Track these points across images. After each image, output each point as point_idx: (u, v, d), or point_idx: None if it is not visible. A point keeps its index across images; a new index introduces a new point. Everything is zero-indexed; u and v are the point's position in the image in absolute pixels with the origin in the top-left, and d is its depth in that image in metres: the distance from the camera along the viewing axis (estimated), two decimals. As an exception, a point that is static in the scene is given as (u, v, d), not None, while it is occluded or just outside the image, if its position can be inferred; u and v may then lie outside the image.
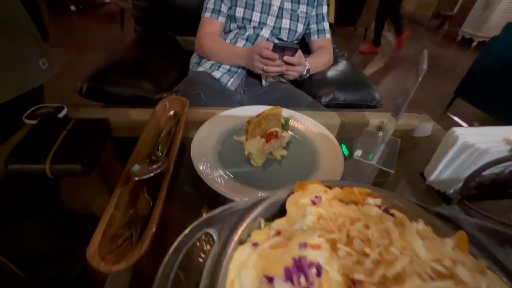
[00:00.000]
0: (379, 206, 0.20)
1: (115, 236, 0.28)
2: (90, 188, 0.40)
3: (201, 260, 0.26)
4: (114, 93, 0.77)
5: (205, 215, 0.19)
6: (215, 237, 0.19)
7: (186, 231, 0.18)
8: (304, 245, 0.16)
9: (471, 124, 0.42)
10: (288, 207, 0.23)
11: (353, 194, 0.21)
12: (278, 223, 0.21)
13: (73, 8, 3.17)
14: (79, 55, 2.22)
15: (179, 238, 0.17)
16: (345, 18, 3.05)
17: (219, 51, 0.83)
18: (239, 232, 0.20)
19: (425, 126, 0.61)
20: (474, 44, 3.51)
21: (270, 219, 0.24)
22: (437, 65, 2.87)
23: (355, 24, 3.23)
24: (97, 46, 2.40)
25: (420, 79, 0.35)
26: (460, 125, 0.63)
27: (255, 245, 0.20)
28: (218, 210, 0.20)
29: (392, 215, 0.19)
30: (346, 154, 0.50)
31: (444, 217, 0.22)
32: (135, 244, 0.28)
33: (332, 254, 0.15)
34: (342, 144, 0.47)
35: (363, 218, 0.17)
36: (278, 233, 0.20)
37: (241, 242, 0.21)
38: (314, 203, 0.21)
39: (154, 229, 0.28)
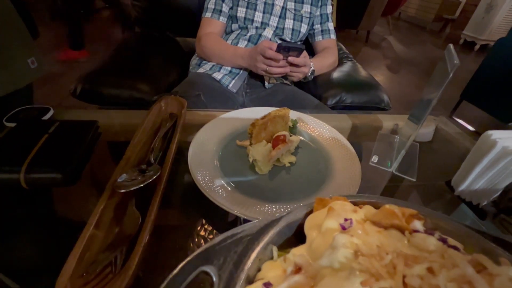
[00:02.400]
0: (430, 233, 0.15)
1: (94, 262, 0.23)
2: (76, 199, 0.35)
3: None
4: (110, 95, 0.73)
5: (200, 248, 0.14)
6: (214, 277, 0.14)
7: (174, 272, 0.13)
8: (340, 296, 0.11)
9: (507, 127, 0.37)
10: (307, 230, 0.18)
11: (395, 217, 0.16)
12: (296, 254, 0.16)
13: (74, 12, 3.17)
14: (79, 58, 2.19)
15: (165, 283, 0.13)
16: (347, 21, 3.03)
17: (220, 52, 0.79)
18: (246, 268, 0.15)
19: (427, 131, 0.56)
20: (477, 47, 3.48)
21: (283, 245, 0.19)
22: (441, 68, 2.83)
23: (357, 27, 3.21)
24: (97, 50, 2.38)
25: (451, 75, 0.30)
26: (468, 130, 0.58)
27: (267, 285, 0.15)
28: (217, 240, 0.15)
29: (456, 248, 0.14)
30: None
31: (506, 245, 0.18)
32: (118, 272, 0.23)
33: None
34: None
35: (420, 256, 0.12)
36: (298, 269, 0.15)
37: (249, 280, 0.16)
38: (343, 228, 0.16)
39: (140, 253, 0.23)
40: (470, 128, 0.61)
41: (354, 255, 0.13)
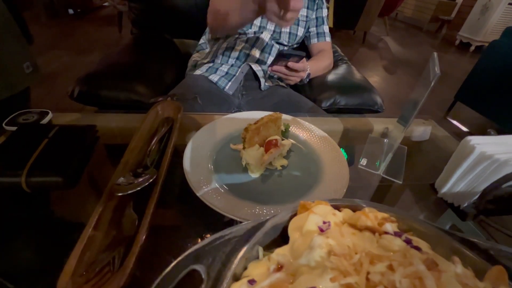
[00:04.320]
0: (399, 235, 0.17)
1: (94, 261, 0.25)
2: (76, 202, 0.37)
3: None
4: (107, 97, 0.75)
5: (190, 248, 0.16)
6: (203, 275, 0.16)
7: (166, 270, 0.15)
8: (312, 290, 0.13)
9: (487, 133, 0.39)
10: (290, 232, 0.20)
11: (368, 220, 0.18)
12: (280, 254, 0.18)
13: (70, 11, 3.16)
14: (76, 58, 2.19)
15: (158, 280, 0.14)
16: (344, 21, 3.05)
17: (230, 2, 0.66)
18: (233, 266, 0.17)
19: (424, 130, 0.58)
20: (472, 48, 3.52)
21: (269, 245, 0.21)
22: (436, 69, 2.86)
23: (354, 27, 3.23)
24: (94, 49, 2.38)
25: (433, 84, 0.32)
26: (461, 131, 0.61)
27: (251, 282, 0.16)
28: (207, 241, 0.17)
29: (418, 248, 0.15)
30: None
31: (472, 245, 0.19)
32: (116, 271, 0.25)
33: (348, 305, 0.12)
34: (342, 149, 0.44)
35: (384, 256, 0.14)
36: (280, 267, 0.17)
37: (235, 277, 0.17)
38: (322, 230, 0.18)
39: (137, 254, 0.25)
40: (464, 129, 0.63)
41: (328, 254, 0.15)
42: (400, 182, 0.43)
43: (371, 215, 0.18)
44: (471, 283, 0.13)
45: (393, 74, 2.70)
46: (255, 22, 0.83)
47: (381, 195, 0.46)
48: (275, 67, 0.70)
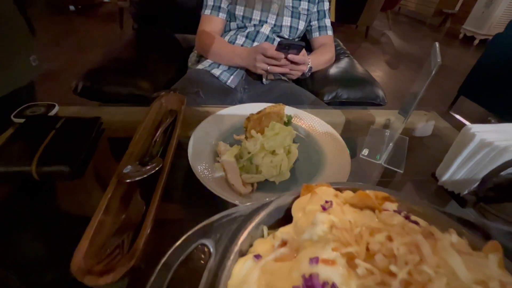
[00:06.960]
0: (398, 212, 0.18)
1: (104, 244, 0.26)
2: (83, 191, 0.38)
3: (196, 276, 0.23)
4: (110, 92, 0.75)
5: (200, 224, 0.17)
6: (211, 249, 0.16)
7: (178, 243, 0.16)
8: (315, 260, 0.14)
9: (487, 121, 0.39)
10: (294, 213, 0.20)
11: (369, 199, 0.18)
12: (284, 232, 0.19)
13: (72, 8, 3.15)
14: (78, 54, 2.20)
15: (169, 252, 0.15)
16: (346, 16, 3.02)
17: (218, 50, 0.80)
18: (239, 242, 0.18)
19: (426, 126, 0.58)
20: (476, 42, 3.48)
21: (274, 226, 0.22)
22: (439, 63, 2.83)
23: (356, 22, 3.20)
24: (96, 45, 2.38)
25: (434, 72, 0.32)
26: (464, 124, 0.61)
27: (257, 257, 0.17)
28: (215, 218, 0.18)
29: (416, 223, 0.16)
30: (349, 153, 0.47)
31: (468, 224, 0.20)
32: (126, 253, 0.26)
33: (349, 272, 0.13)
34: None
35: (383, 228, 0.15)
36: (284, 243, 0.18)
37: (241, 253, 0.18)
38: (324, 208, 0.18)
39: (146, 237, 0.25)
40: (467, 123, 0.63)
41: (330, 229, 0.16)
42: (401, 171, 0.44)
43: (371, 194, 0.18)
44: (465, 251, 0.13)
45: (396, 69, 2.68)
46: (254, 16, 0.83)
47: (383, 185, 0.46)
48: (276, 69, 0.71)
